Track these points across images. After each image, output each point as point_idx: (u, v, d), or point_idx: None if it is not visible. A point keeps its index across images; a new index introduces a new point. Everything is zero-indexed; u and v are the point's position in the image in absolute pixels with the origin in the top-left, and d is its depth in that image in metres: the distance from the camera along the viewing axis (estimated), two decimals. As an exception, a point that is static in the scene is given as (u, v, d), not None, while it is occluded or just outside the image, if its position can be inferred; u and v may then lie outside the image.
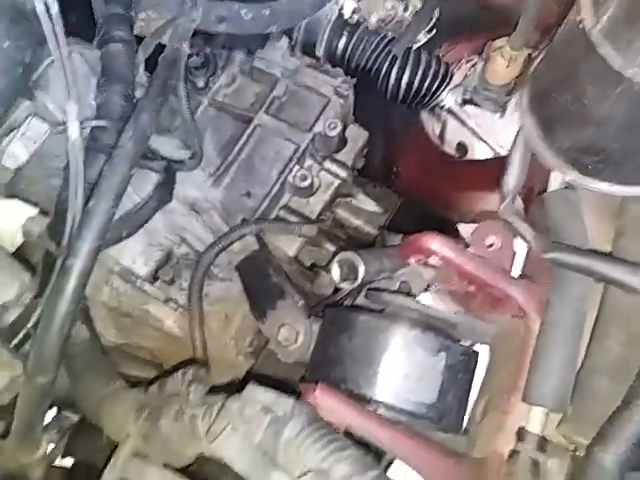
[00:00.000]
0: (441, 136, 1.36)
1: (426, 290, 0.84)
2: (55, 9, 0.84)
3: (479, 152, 1.27)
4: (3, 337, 0.91)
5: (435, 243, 0.76)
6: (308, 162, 1.15)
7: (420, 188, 1.30)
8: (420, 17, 1.27)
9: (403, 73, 1.29)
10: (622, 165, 0.67)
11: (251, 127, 1.17)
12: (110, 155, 0.96)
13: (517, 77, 1.08)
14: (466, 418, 0.83)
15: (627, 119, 0.60)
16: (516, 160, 0.77)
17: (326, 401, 0.76)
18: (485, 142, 1.25)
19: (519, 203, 0.80)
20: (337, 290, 1.03)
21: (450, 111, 1.33)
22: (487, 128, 1.23)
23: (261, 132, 1.17)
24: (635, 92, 0.57)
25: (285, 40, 1.24)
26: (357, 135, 1.19)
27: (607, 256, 0.70)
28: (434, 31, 1.31)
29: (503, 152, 1.24)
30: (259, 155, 1.16)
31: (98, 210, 0.89)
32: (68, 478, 1.14)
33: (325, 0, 1.23)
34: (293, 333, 0.97)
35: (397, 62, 1.28)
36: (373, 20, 1.27)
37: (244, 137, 1.17)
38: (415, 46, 1.30)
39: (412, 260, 0.81)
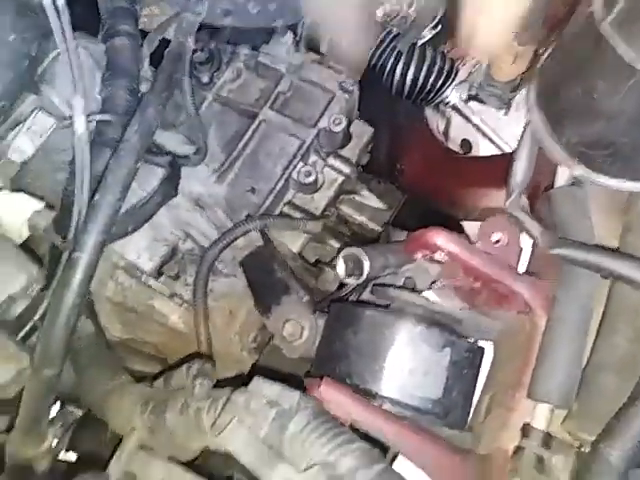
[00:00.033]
0: (445, 132, 1.36)
1: (431, 286, 0.84)
2: (61, 1, 0.83)
3: (483, 149, 1.27)
4: (10, 330, 0.91)
5: (441, 238, 0.76)
6: (312, 158, 1.15)
7: (424, 185, 1.30)
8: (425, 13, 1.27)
9: (408, 69, 1.29)
10: (631, 160, 0.67)
11: (256, 123, 1.17)
12: (116, 149, 0.96)
13: (523, 74, 1.08)
14: (471, 414, 0.83)
15: (638, 113, 0.60)
16: (523, 155, 0.77)
17: (331, 396, 0.76)
18: (489, 139, 1.25)
19: (524, 200, 0.80)
20: (342, 286, 1.03)
21: (455, 107, 1.33)
22: (492, 125, 1.23)
23: (266, 128, 1.17)
24: (647, 85, 0.57)
25: (290, 35, 1.24)
26: (362, 131, 1.19)
27: (615, 252, 0.70)
28: (439, 27, 1.30)
29: (507, 149, 1.24)
30: (264, 151, 1.16)
31: (104, 203, 0.89)
32: (72, 472, 1.14)
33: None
34: (298, 328, 0.97)
35: (402, 58, 1.28)
36: (379, 15, 1.27)
37: (249, 133, 1.16)
38: (420, 42, 1.30)
39: (418, 255, 0.81)
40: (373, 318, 0.83)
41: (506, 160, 0.84)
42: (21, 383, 0.93)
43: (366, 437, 0.75)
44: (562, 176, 0.76)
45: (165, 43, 1.12)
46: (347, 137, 1.17)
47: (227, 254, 1.14)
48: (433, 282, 0.84)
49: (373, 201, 1.20)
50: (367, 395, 0.79)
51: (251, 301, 1.09)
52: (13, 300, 0.87)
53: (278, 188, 1.13)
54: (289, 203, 1.16)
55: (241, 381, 0.81)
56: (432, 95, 1.30)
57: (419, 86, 1.29)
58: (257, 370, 1.08)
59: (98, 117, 1.03)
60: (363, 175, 1.21)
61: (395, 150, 1.35)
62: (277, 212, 1.15)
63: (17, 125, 1.05)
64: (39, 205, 1.00)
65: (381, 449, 0.74)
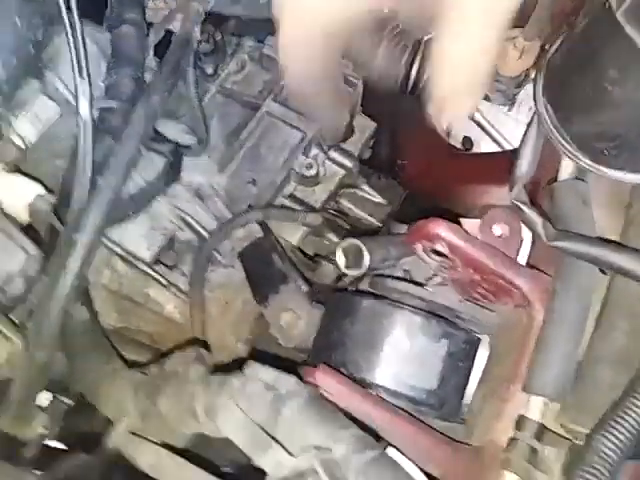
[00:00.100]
0: (447, 129, 1.36)
1: (430, 277, 0.84)
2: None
3: (485, 146, 1.27)
4: (4, 310, 0.91)
5: (442, 229, 0.75)
6: (314, 151, 1.15)
7: (425, 181, 1.30)
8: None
9: (412, 64, 1.28)
10: (638, 151, 0.67)
11: (259, 114, 1.17)
12: (118, 136, 0.96)
13: (528, 69, 1.08)
14: (465, 406, 0.83)
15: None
16: (529, 147, 0.77)
17: (327, 383, 0.76)
18: (491, 136, 1.25)
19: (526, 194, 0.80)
20: (340, 277, 1.03)
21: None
22: (494, 122, 1.23)
23: (268, 120, 1.16)
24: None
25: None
26: (364, 125, 1.19)
27: (616, 244, 0.70)
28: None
29: (508, 146, 1.24)
30: (266, 143, 1.16)
31: (105, 186, 0.89)
32: (61, 457, 1.13)
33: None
34: (295, 318, 0.97)
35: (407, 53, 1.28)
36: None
37: (251, 124, 1.16)
38: (426, 37, 1.29)
39: (418, 246, 0.80)
40: (371, 308, 0.83)
41: (507, 157, 0.84)
42: (13, 366, 0.92)
43: (361, 425, 0.75)
44: (566, 170, 0.77)
45: (170, 36, 1.12)
46: (350, 131, 1.17)
47: (226, 245, 1.14)
48: (432, 273, 0.84)
49: (373, 196, 1.20)
50: (362, 384, 0.79)
51: (247, 292, 1.09)
52: (10, 279, 0.87)
53: (279, 180, 1.14)
54: (290, 196, 1.16)
55: (237, 367, 0.80)
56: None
57: (423, 81, 1.29)
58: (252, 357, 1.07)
59: (102, 103, 1.03)
60: (364, 170, 1.21)
61: (396, 146, 1.35)
62: (277, 204, 1.15)
63: (19, 110, 1.05)
64: (41, 189, 1.00)
65: (375, 437, 0.74)
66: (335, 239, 1.17)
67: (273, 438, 0.68)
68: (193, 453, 0.87)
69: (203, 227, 1.15)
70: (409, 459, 0.73)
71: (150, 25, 1.14)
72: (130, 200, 1.03)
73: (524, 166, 0.77)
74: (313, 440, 0.67)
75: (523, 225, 0.78)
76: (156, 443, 0.86)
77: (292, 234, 1.13)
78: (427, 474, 0.73)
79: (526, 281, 0.76)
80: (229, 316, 1.12)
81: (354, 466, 0.65)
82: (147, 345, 1.18)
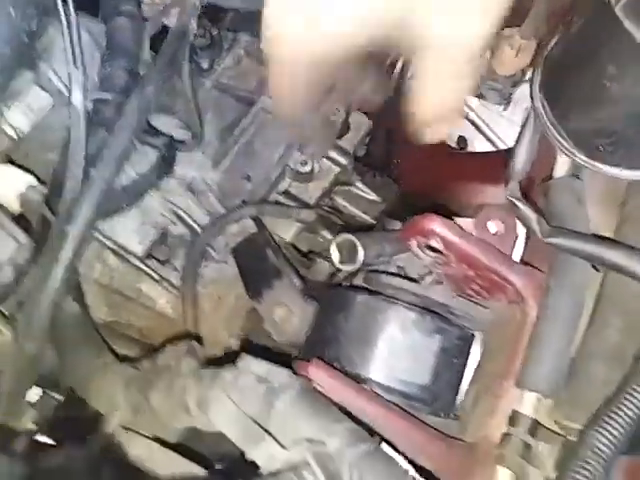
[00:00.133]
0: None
1: (425, 273, 0.84)
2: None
3: (479, 145, 1.28)
4: (-6, 302, 0.90)
5: (436, 224, 0.75)
6: (309, 148, 1.15)
7: (419, 179, 1.30)
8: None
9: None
10: (634, 148, 0.67)
11: (254, 110, 1.16)
12: (112, 127, 0.96)
13: (524, 68, 1.08)
14: (458, 402, 0.83)
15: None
16: (525, 143, 0.77)
17: (320, 377, 0.76)
18: (485, 135, 1.26)
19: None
20: (334, 275, 1.03)
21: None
22: (488, 121, 1.23)
23: (264, 115, 1.16)
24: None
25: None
26: (360, 123, 1.19)
27: (612, 242, 0.70)
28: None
29: (503, 146, 1.25)
30: (261, 139, 1.16)
31: (98, 178, 0.89)
32: (51, 451, 1.12)
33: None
34: (289, 313, 0.97)
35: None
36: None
37: (246, 120, 1.16)
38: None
39: (413, 242, 0.80)
40: (366, 303, 0.83)
41: (502, 157, 0.84)
42: (2, 356, 0.91)
43: (355, 420, 0.74)
44: (561, 167, 0.77)
45: (166, 31, 1.11)
46: (345, 128, 1.17)
47: (220, 240, 1.13)
48: (427, 271, 0.84)
49: (368, 193, 1.20)
50: (355, 379, 0.79)
51: (240, 287, 1.08)
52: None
53: (274, 176, 1.13)
54: (284, 192, 1.15)
55: (229, 360, 0.80)
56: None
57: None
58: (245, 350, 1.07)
59: (95, 95, 1.03)
60: (359, 167, 1.21)
61: (391, 144, 1.35)
62: (272, 200, 1.15)
63: (12, 100, 1.04)
64: (33, 180, 0.99)
65: (369, 432, 0.73)
66: (329, 236, 1.16)
67: (266, 431, 0.68)
68: (185, 447, 0.87)
69: (196, 222, 1.14)
70: (402, 455, 0.73)
71: (146, 19, 1.13)
72: (122, 192, 1.02)
73: (520, 163, 0.77)
74: (306, 433, 0.67)
75: (518, 222, 0.78)
76: (148, 437, 0.85)
77: (286, 230, 1.12)
78: (420, 469, 0.73)
79: (520, 277, 0.76)
80: (222, 311, 1.11)
81: (348, 459, 0.65)
82: (138, 340, 1.17)
